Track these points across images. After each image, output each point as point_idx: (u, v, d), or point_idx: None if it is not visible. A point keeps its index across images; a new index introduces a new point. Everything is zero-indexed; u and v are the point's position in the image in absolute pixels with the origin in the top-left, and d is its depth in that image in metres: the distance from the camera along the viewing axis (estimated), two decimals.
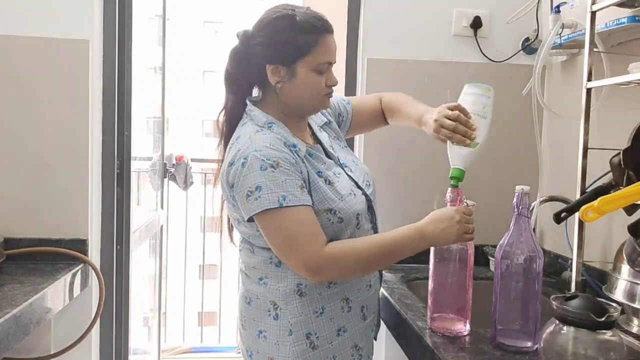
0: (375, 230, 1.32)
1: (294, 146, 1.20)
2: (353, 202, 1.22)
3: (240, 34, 1.24)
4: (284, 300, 1.20)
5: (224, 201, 1.28)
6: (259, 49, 1.21)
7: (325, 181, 1.21)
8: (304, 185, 1.16)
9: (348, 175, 1.28)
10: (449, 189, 1.21)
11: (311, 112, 1.31)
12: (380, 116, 1.50)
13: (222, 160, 1.25)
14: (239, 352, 2.47)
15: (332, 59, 1.22)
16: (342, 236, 1.21)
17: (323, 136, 1.34)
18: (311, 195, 1.17)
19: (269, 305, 1.21)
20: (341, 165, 1.29)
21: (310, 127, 1.34)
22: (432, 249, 1.21)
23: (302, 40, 1.18)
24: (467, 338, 1.15)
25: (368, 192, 1.30)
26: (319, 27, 1.19)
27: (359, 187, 1.28)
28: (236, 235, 1.33)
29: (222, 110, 1.29)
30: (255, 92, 1.31)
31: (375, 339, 1.36)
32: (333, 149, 1.32)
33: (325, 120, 1.39)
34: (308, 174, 1.18)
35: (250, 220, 1.16)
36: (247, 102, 1.26)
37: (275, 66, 1.20)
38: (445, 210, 1.17)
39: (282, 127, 1.22)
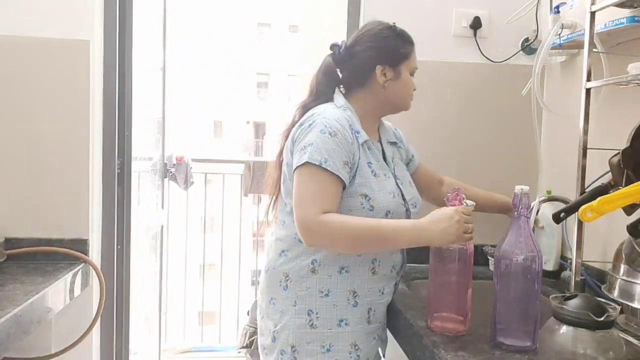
0: None
1: (358, 132, 1.33)
2: (390, 200, 1.31)
3: (340, 43, 1.40)
4: (296, 273, 1.31)
5: (281, 161, 1.37)
6: (366, 53, 1.37)
7: (372, 173, 1.32)
8: (348, 163, 1.26)
9: (397, 185, 1.37)
10: (449, 188, 1.23)
11: (405, 108, 1.44)
12: (432, 189, 1.63)
13: (292, 124, 1.37)
14: (239, 352, 2.47)
15: (417, 67, 1.43)
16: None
17: (387, 147, 1.46)
18: (355, 177, 1.28)
19: (282, 276, 1.33)
20: (394, 176, 1.39)
21: (380, 139, 1.45)
22: (431, 249, 1.21)
23: (403, 47, 1.38)
24: (467, 337, 1.15)
25: (411, 210, 1.38)
26: (410, 39, 1.41)
27: (404, 199, 1.37)
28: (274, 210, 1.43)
29: (300, 108, 1.40)
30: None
31: (384, 356, 1.41)
32: (394, 161, 1.44)
33: (395, 140, 1.50)
34: (359, 159, 1.30)
35: None
36: (336, 89, 1.41)
37: (383, 67, 1.36)
38: (445, 209, 1.18)
39: (355, 115, 1.36)
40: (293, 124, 1.37)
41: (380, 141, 1.45)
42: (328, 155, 1.23)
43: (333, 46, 1.40)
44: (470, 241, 1.18)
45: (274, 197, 1.42)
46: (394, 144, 1.49)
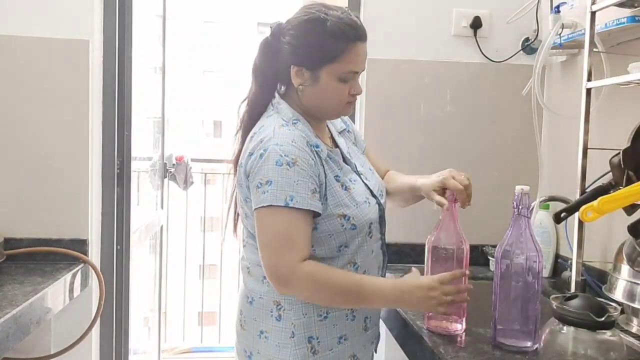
0: (384, 240, 1.30)
1: (317, 146, 1.17)
2: (367, 210, 1.21)
3: (273, 26, 1.21)
4: (289, 300, 1.17)
5: (234, 192, 1.26)
6: (287, 48, 1.19)
7: (342, 186, 1.19)
8: (317, 189, 1.13)
9: (364, 183, 1.26)
10: (449, 192, 1.21)
11: (330, 118, 1.30)
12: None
13: (240, 149, 1.23)
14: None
15: (359, 68, 1.19)
16: (353, 243, 1.19)
17: (341, 141, 1.32)
18: (327, 199, 1.15)
19: (272, 305, 1.18)
20: (357, 173, 1.27)
21: (329, 131, 1.33)
22: (427, 247, 1.20)
23: (330, 46, 1.15)
24: (467, 338, 1.14)
25: (382, 202, 1.28)
26: (349, 35, 1.16)
27: (373, 195, 1.26)
28: (240, 231, 1.31)
29: (244, 100, 1.27)
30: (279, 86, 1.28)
31: (376, 352, 1.34)
32: (350, 155, 1.30)
33: (345, 127, 1.37)
34: (325, 176, 1.16)
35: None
36: (276, 94, 1.24)
37: (299, 68, 1.18)
38: (427, 279, 1.13)
39: (307, 125, 1.20)
40: (241, 129, 1.24)
41: (333, 140, 1.30)
42: (292, 191, 1.08)
43: (270, 27, 1.22)
44: (466, 241, 1.17)
45: (235, 211, 1.30)
46: (342, 132, 1.35)
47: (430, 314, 1.19)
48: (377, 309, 1.29)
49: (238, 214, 1.29)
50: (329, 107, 1.22)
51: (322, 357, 1.18)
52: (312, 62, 1.17)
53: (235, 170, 1.24)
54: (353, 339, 1.22)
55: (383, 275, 1.32)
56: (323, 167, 1.16)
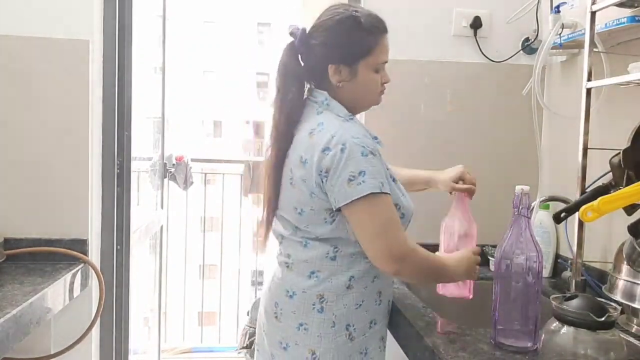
0: None
1: (376, 138, 1.26)
2: (409, 202, 1.30)
3: (297, 31, 1.26)
4: (333, 293, 1.23)
5: (271, 194, 1.28)
6: (320, 49, 1.24)
7: (392, 178, 1.26)
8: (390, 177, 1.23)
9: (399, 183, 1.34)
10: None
11: (364, 109, 1.37)
12: None
13: (280, 150, 1.25)
14: (239, 352, 2.47)
15: (387, 58, 1.28)
16: None
17: None
18: None
19: (315, 298, 1.24)
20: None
21: None
22: (443, 229, 1.37)
23: (365, 41, 1.23)
24: (467, 338, 1.15)
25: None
26: (380, 28, 1.24)
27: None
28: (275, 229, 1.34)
29: (278, 107, 1.28)
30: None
31: None
32: None
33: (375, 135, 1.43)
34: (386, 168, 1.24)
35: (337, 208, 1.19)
36: (324, 92, 1.27)
37: (337, 66, 1.23)
38: (465, 252, 1.30)
39: (358, 121, 1.28)
40: (279, 132, 1.26)
41: None
42: (382, 179, 1.16)
43: (292, 33, 1.27)
44: (473, 223, 1.36)
45: (271, 215, 1.31)
46: None
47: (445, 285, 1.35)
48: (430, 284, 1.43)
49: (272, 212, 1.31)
50: (367, 98, 1.30)
51: (358, 342, 1.26)
52: (350, 58, 1.23)
53: (273, 175, 1.26)
54: (381, 323, 1.31)
55: None
56: (382, 160, 1.24)
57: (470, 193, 1.38)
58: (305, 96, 1.30)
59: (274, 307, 1.30)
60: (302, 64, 1.28)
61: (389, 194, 1.18)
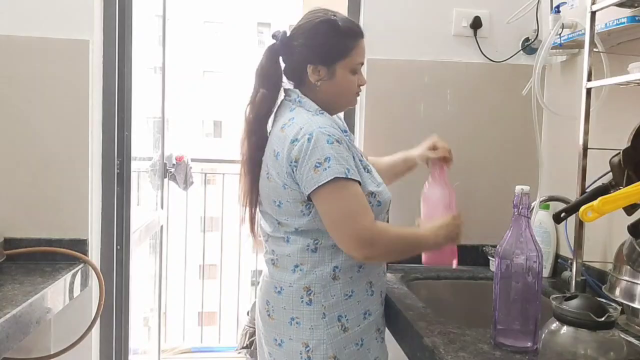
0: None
1: (345, 132, 1.34)
2: (385, 190, 1.33)
3: (279, 34, 1.33)
4: (319, 284, 1.27)
5: (251, 190, 1.35)
6: (301, 50, 1.30)
7: (365, 169, 1.31)
8: (357, 166, 1.26)
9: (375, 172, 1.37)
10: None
11: (342, 109, 1.42)
12: None
13: (251, 149, 1.33)
14: (239, 352, 2.47)
15: (364, 61, 1.35)
16: (379, 219, 1.29)
17: None
18: None
19: (302, 291, 1.27)
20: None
21: None
22: (423, 198, 1.43)
23: (343, 43, 1.30)
24: (467, 338, 1.14)
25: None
26: (357, 32, 1.33)
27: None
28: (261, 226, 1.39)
29: (249, 104, 1.36)
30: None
31: None
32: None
33: (346, 129, 1.45)
34: (354, 158, 1.27)
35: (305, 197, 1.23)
36: (296, 90, 1.33)
37: (315, 66, 1.30)
38: (446, 218, 1.32)
39: (329, 117, 1.31)
40: (249, 128, 1.33)
41: None
42: (347, 164, 1.20)
43: (274, 35, 1.34)
44: (453, 191, 1.41)
45: (252, 210, 1.38)
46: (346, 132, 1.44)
47: (427, 253, 1.39)
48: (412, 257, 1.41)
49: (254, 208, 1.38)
50: (343, 98, 1.36)
51: (352, 333, 1.28)
52: (328, 59, 1.30)
53: (248, 171, 1.34)
54: (375, 314, 1.34)
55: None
56: (350, 150, 1.28)
57: (446, 161, 1.43)
58: (283, 96, 1.36)
59: (266, 305, 1.33)
60: (283, 64, 1.34)
61: (357, 180, 1.21)
